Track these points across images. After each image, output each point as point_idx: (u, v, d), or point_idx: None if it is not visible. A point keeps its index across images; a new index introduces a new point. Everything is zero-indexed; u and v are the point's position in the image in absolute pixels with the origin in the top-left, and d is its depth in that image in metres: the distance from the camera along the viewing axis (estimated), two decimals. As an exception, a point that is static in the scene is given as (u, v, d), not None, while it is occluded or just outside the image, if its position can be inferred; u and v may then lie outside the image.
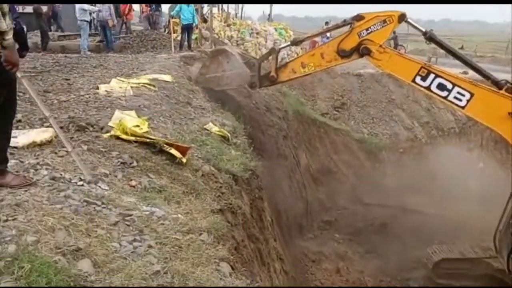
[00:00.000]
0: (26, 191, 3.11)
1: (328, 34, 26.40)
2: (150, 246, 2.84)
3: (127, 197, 3.43)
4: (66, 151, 3.87)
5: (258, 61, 8.97)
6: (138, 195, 3.57)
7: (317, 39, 28.32)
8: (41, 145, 4.05)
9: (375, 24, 7.52)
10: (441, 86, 7.46)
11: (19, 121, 4.85)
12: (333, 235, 11.66)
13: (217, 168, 5.22)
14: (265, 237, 6.37)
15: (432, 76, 7.42)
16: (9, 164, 3.53)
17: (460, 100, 7.42)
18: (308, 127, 14.69)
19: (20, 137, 4.18)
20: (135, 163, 4.12)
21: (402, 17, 7.50)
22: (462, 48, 35.32)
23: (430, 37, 7.82)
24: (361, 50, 7.60)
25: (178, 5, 13.63)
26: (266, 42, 20.98)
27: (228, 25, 20.95)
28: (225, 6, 25.41)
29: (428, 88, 7.52)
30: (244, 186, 6.04)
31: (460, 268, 9.56)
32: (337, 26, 8.45)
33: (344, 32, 7.87)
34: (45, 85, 7.10)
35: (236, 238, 4.32)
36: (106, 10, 13.86)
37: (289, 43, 8.83)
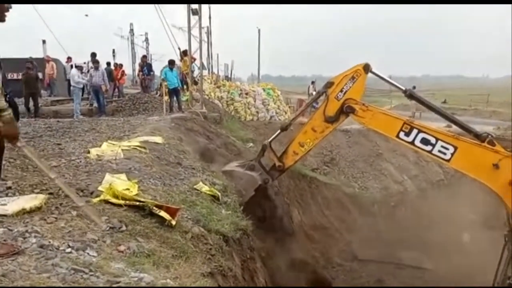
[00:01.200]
0: (13, 260, 3.09)
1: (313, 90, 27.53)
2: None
3: (115, 263, 3.41)
4: (56, 217, 3.89)
5: (256, 160, 9.12)
6: (127, 260, 3.54)
7: (303, 97, 29.28)
8: (31, 212, 4.06)
9: (346, 84, 7.94)
10: (424, 141, 7.68)
11: (9, 188, 4.88)
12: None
13: (207, 229, 5.20)
14: (258, 299, 6.20)
15: (415, 131, 7.65)
16: (-3, 233, 3.54)
17: (445, 154, 7.63)
18: (299, 183, 14.78)
19: (9, 205, 4.19)
20: (124, 227, 4.12)
21: (367, 68, 7.92)
22: (445, 102, 36.67)
23: (410, 95, 8.18)
24: (345, 109, 7.93)
25: (163, 71, 14.31)
26: (255, 101, 21.71)
27: (218, 87, 21.73)
28: (215, 69, 26.53)
29: (412, 143, 7.74)
30: (235, 246, 5.98)
31: None
32: (317, 97, 9.13)
33: (323, 101, 8.35)
34: (36, 150, 7.18)
35: (227, 302, 4.23)
36: (99, 76, 14.39)
37: (278, 131, 9.04)
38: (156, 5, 14.17)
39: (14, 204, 4.20)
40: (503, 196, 7.47)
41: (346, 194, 15.43)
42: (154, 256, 3.78)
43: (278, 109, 22.42)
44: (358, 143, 17.58)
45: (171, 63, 14.49)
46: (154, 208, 4.68)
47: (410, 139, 7.70)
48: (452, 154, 7.56)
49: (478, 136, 7.69)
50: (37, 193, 4.59)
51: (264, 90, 23.05)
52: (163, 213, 4.65)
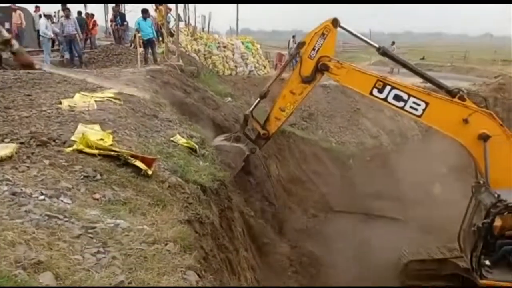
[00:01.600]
0: (-16, 207, 3.04)
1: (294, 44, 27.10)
2: (114, 258, 2.83)
3: (90, 210, 3.40)
4: (28, 166, 3.81)
5: (241, 132, 8.99)
6: (102, 208, 3.54)
7: (283, 52, 28.86)
8: (2, 161, 3.95)
9: (317, 42, 7.86)
10: (397, 97, 7.80)
11: (-22, 137, 4.72)
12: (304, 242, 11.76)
13: (184, 179, 5.23)
14: (235, 247, 6.38)
15: (388, 88, 7.78)
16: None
17: (416, 110, 7.80)
18: (277, 138, 14.84)
19: (-22, 154, 4.07)
20: (99, 176, 4.08)
21: (335, 22, 7.85)
22: (423, 58, 36.80)
23: (383, 52, 8.26)
24: (320, 67, 7.89)
25: (137, 21, 13.70)
26: (233, 55, 21.24)
27: (195, 39, 21.09)
28: (192, 20, 25.62)
29: (385, 99, 7.86)
30: (213, 196, 6.06)
31: (428, 269, 9.84)
32: (291, 59, 9.27)
33: (297, 62, 8.22)
34: (6, 101, 6.90)
35: (204, 248, 4.33)
36: (71, 25, 13.72)
37: (257, 100, 8.91)
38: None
39: (-16, 154, 4.08)
40: (472, 150, 7.77)
41: (323, 149, 15.66)
42: (130, 204, 3.80)
43: (257, 64, 22.03)
44: (336, 98, 17.64)
45: (145, 11, 13.77)
46: (130, 158, 4.64)
47: (383, 95, 7.82)
48: (424, 110, 7.73)
49: (449, 92, 7.86)
50: (8, 142, 4.46)
51: (243, 43, 22.50)
52: (138, 163, 4.62)
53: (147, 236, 3.27)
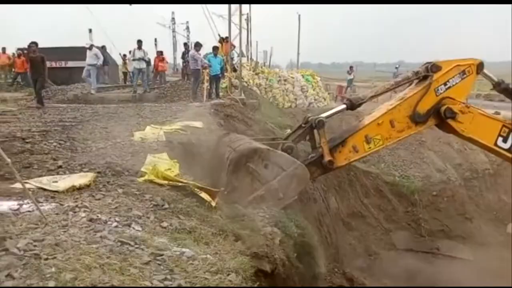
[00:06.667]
0: (65, 231, 3.32)
1: (351, 75, 27.10)
2: (180, 285, 2.93)
3: (158, 238, 3.57)
4: (104, 194, 4.11)
5: (295, 141, 6.08)
6: (169, 236, 3.70)
7: (343, 84, 28.67)
8: (80, 189, 4.31)
9: (454, 77, 6.05)
10: None
11: (60, 167, 5.20)
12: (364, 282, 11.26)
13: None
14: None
15: None
16: (49, 207, 3.81)
17: None
18: (338, 170, 14.62)
19: (61, 182, 4.48)
20: (166, 205, 4.29)
21: (480, 67, 6.21)
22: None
23: (504, 89, 6.50)
24: (444, 113, 5.95)
25: (207, 58, 14.47)
26: (293, 88, 21.55)
27: (257, 74, 21.72)
28: (254, 55, 26.52)
29: (509, 150, 6.23)
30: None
31: None
32: (407, 80, 6.26)
33: (412, 88, 6.14)
34: (85, 133, 7.57)
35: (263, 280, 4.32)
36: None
37: (341, 106, 6.20)
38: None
39: (65, 182, 4.48)
40: None
41: (386, 183, 15.11)
42: (195, 233, 3.93)
43: (317, 96, 22.15)
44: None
45: (215, 49, 14.71)
46: (195, 189, 4.84)
47: (507, 145, 6.20)
48: None
49: None
50: (86, 171, 4.86)
51: (303, 76, 22.81)
52: (203, 195, 4.80)
53: (210, 265, 3.35)
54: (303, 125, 5.90)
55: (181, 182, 4.85)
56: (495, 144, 6.16)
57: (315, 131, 5.76)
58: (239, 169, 5.45)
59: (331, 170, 6.10)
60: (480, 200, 12.80)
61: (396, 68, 28.87)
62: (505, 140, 6.15)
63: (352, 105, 6.01)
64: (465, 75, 6.07)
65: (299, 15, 33.73)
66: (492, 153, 6.78)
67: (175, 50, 44.35)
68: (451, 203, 14.20)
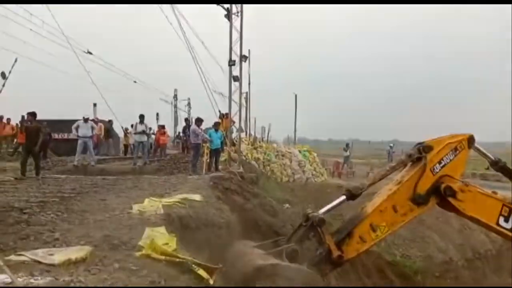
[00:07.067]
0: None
1: (347, 152, 27.59)
2: None
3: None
4: (99, 269, 4.00)
5: (297, 241, 5.62)
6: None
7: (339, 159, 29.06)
8: (76, 262, 4.21)
9: (447, 154, 6.00)
10: None
11: (57, 239, 5.11)
12: None
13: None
14: None
15: None
16: (44, 281, 3.69)
17: None
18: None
19: (56, 255, 4.37)
20: (163, 283, 4.15)
21: (471, 141, 6.18)
22: (488, 168, 35.23)
23: (502, 167, 6.44)
24: (444, 191, 5.84)
25: (209, 132, 14.92)
26: (291, 163, 21.88)
27: (255, 148, 22.16)
28: (252, 130, 27.23)
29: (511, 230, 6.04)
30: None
31: None
32: (402, 163, 6.17)
33: (408, 170, 6.06)
34: (83, 205, 7.53)
35: None
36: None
37: (340, 199, 5.85)
38: (201, 73, 15.14)
39: (61, 255, 4.38)
40: None
41: (386, 262, 14.69)
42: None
43: (314, 171, 22.43)
44: (398, 208, 17.00)
45: (216, 124, 15.31)
46: (193, 265, 4.71)
47: (509, 225, 6.02)
48: None
49: None
50: (83, 245, 4.77)
51: (300, 152, 23.28)
52: (201, 271, 4.66)
53: None
54: (303, 224, 5.63)
55: (179, 257, 4.74)
56: (497, 224, 5.97)
57: (318, 228, 5.51)
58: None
59: (342, 265, 5.67)
60: (484, 282, 12.35)
61: (390, 146, 29.94)
62: (506, 220, 5.96)
63: (352, 196, 5.82)
64: (457, 151, 6.03)
65: (296, 95, 35.31)
66: (494, 233, 6.57)
67: (176, 124, 45.59)
68: (455, 285, 13.69)
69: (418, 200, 5.82)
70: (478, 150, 6.28)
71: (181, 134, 24.20)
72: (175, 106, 46.84)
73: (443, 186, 5.78)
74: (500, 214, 5.92)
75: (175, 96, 47.06)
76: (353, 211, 5.81)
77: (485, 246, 15.75)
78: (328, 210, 5.70)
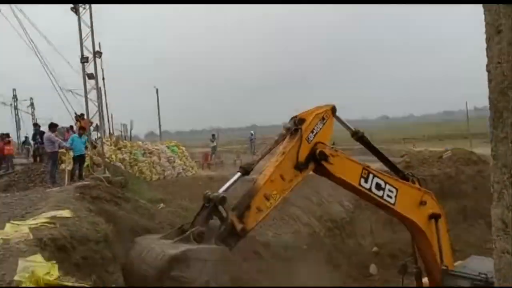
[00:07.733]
0: None
1: (214, 143, 28.46)
2: None
3: None
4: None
5: (204, 222, 5.88)
6: None
7: (207, 150, 29.61)
8: None
9: (317, 124, 6.84)
10: (378, 186, 7.17)
11: None
12: None
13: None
14: None
15: (371, 176, 7.15)
16: None
17: (391, 198, 7.26)
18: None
19: None
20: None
21: (334, 110, 7.15)
22: (334, 144, 40.20)
23: (360, 137, 7.55)
24: (318, 155, 6.66)
25: (71, 138, 13.72)
26: (160, 160, 21.44)
27: (119, 148, 21.07)
28: (111, 129, 25.72)
29: (369, 189, 7.12)
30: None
31: None
32: (283, 136, 6.86)
33: (288, 142, 6.75)
34: None
35: None
36: None
37: (237, 175, 6.39)
38: (45, 66, 13.75)
39: None
40: (427, 231, 7.60)
41: (261, 243, 15.68)
42: None
43: (184, 165, 22.41)
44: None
45: (82, 129, 14.13)
46: (83, 290, 4.45)
47: (368, 185, 7.08)
48: (395, 197, 7.29)
49: (404, 177, 7.70)
50: None
51: (168, 147, 22.95)
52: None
53: None
54: (206, 205, 5.90)
55: (67, 286, 4.41)
56: (359, 184, 7.04)
57: (220, 207, 5.86)
58: (164, 282, 4.97)
59: (246, 235, 6.14)
60: (343, 247, 14.23)
61: (251, 133, 32.55)
62: (366, 181, 7.06)
63: (246, 171, 6.43)
64: (325, 120, 6.97)
65: (157, 89, 34.54)
66: (356, 194, 7.72)
67: (19, 128, 40.19)
68: (320, 254, 15.42)
69: (301, 167, 6.60)
70: (339, 119, 7.33)
71: (30, 141, 21.46)
72: (16, 108, 41.21)
73: (317, 151, 6.70)
74: (361, 176, 7.04)
75: (15, 97, 41.35)
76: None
77: (340, 215, 18.06)
78: (227, 188, 6.16)
